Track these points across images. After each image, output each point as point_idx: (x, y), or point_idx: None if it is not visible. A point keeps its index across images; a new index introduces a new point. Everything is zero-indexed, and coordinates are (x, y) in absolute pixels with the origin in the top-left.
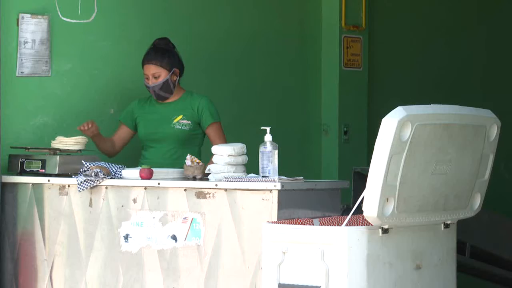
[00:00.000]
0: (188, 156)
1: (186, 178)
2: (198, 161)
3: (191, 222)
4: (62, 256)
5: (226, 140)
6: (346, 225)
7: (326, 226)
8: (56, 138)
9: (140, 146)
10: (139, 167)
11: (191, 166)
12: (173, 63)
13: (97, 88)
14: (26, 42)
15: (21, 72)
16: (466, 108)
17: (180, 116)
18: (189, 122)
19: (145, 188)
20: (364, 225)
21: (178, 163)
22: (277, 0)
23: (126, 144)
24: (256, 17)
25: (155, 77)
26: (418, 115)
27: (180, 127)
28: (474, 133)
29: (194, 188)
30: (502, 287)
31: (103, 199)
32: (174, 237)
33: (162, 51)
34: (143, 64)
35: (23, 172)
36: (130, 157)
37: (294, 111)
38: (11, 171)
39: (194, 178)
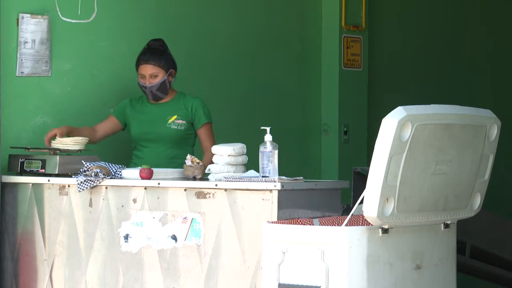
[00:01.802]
0: (188, 156)
1: (186, 178)
2: (198, 161)
3: (191, 222)
4: (62, 256)
5: (215, 141)
6: (346, 225)
7: (326, 226)
8: (56, 138)
9: (131, 146)
10: (139, 167)
11: (191, 166)
12: (169, 64)
13: (97, 88)
14: (26, 42)
15: (21, 72)
16: (466, 108)
17: (175, 116)
18: (184, 122)
19: (145, 188)
20: (364, 225)
21: (173, 162)
22: (277, 0)
23: (108, 135)
24: (256, 17)
25: (153, 77)
26: (418, 115)
27: (176, 127)
28: (474, 133)
29: (194, 188)
30: (502, 287)
31: (103, 199)
32: (174, 237)
33: (159, 52)
34: (139, 64)
35: (23, 172)
36: (128, 157)
37: (294, 111)
38: (11, 171)
39: (194, 178)
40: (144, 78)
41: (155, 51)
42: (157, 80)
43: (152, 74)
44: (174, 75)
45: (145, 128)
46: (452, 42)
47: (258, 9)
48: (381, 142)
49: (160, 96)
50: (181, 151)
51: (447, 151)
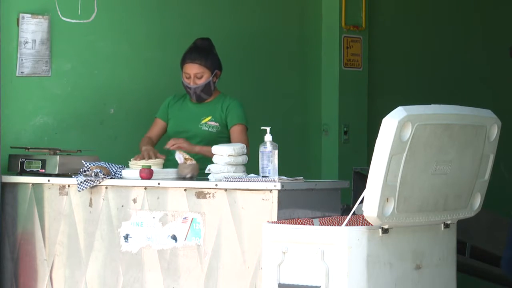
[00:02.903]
0: (180, 155)
1: (185, 177)
2: (189, 157)
3: (191, 222)
4: (62, 256)
5: (247, 145)
6: (346, 225)
7: (326, 226)
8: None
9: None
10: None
11: (184, 164)
12: (215, 64)
13: (97, 88)
14: (26, 42)
15: (21, 72)
16: (467, 108)
17: (209, 118)
18: (217, 124)
19: (145, 188)
20: (364, 225)
21: (202, 163)
22: (277, 0)
23: (160, 137)
24: (256, 17)
25: (198, 77)
26: (419, 115)
27: (207, 129)
28: (474, 133)
29: (194, 188)
30: (502, 287)
31: (103, 199)
32: (174, 237)
33: (206, 51)
34: (184, 62)
35: (23, 172)
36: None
37: (294, 111)
38: (11, 171)
39: (191, 178)
40: (189, 78)
41: (202, 50)
42: (202, 82)
43: (197, 74)
44: (219, 76)
45: (179, 126)
46: (452, 42)
47: (258, 9)
48: (381, 142)
49: (203, 98)
50: None
51: (447, 151)
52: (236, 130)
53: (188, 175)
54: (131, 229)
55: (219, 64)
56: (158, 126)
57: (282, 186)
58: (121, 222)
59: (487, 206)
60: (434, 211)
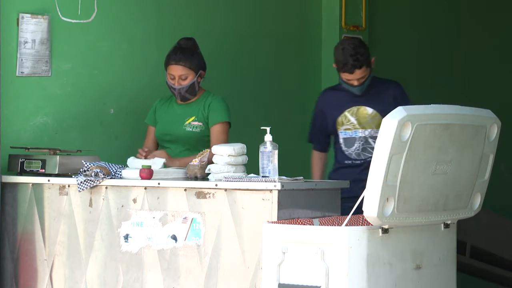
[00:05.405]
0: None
1: (186, 178)
2: (203, 161)
3: (191, 222)
4: (62, 256)
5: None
6: (346, 225)
7: (326, 226)
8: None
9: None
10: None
11: (194, 165)
12: (200, 64)
13: (97, 88)
14: (26, 42)
15: (21, 72)
16: (467, 108)
17: (192, 118)
18: (200, 124)
19: (145, 188)
20: (364, 225)
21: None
22: (277, 0)
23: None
24: (256, 17)
25: (182, 79)
26: (418, 115)
27: (190, 129)
28: (474, 133)
29: (194, 188)
30: (502, 287)
31: (103, 199)
32: (174, 237)
33: (190, 52)
34: (168, 63)
35: (23, 172)
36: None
37: (294, 111)
38: (11, 171)
39: (196, 178)
40: (173, 79)
41: (186, 51)
42: (187, 82)
43: (181, 75)
44: (203, 76)
45: (164, 129)
46: (452, 42)
47: (258, 9)
48: (381, 142)
49: (188, 98)
50: (199, 153)
51: (447, 151)
52: (215, 130)
53: (193, 176)
54: (131, 229)
55: (204, 64)
56: (151, 134)
57: (282, 186)
58: (121, 222)
59: (487, 206)
60: (434, 211)
